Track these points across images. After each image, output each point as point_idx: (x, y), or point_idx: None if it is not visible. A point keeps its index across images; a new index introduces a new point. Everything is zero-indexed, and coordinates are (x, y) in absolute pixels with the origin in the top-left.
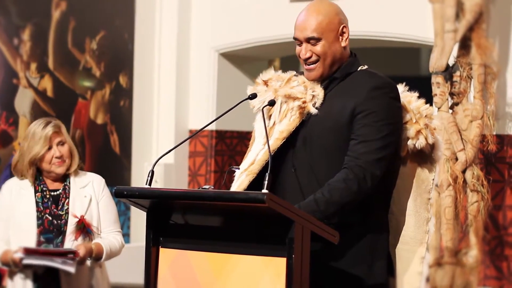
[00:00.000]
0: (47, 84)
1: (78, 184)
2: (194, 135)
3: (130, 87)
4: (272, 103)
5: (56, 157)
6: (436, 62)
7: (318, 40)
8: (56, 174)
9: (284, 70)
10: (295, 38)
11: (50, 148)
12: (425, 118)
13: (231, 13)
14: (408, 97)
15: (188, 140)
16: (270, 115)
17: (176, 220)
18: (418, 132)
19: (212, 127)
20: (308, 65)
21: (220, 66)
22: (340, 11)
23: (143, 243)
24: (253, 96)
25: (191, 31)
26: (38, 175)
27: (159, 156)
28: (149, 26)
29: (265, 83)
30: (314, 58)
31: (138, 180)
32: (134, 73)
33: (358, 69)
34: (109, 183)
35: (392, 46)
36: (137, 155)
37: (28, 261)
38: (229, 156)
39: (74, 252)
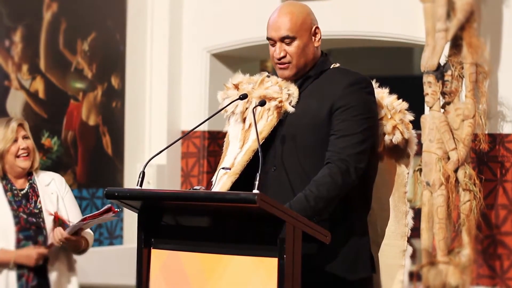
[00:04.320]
0: (38, 85)
1: (42, 182)
2: (184, 136)
3: (122, 88)
4: (262, 103)
5: (22, 149)
6: (427, 61)
7: (292, 39)
8: (21, 169)
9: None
10: (268, 38)
11: (15, 140)
12: (400, 113)
13: (222, 14)
14: (380, 93)
15: (180, 141)
16: (245, 118)
17: (168, 221)
18: (394, 127)
19: (205, 128)
20: (281, 64)
21: (212, 67)
22: (311, 12)
23: (136, 244)
24: (244, 97)
25: (182, 32)
26: (3, 174)
27: (150, 157)
28: (140, 27)
29: (236, 86)
30: (288, 58)
31: (130, 181)
32: (126, 74)
33: (331, 67)
34: (101, 185)
35: (383, 46)
36: (130, 157)
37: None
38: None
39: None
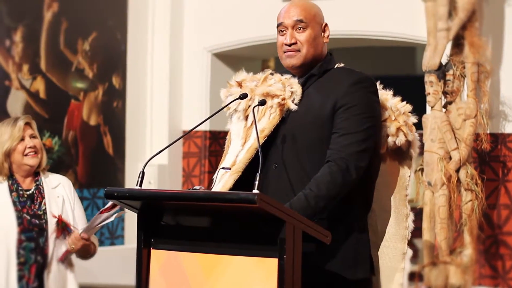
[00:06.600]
0: (39, 85)
1: (49, 184)
2: (184, 135)
3: (123, 88)
4: (263, 102)
5: (29, 147)
6: (429, 61)
7: (305, 26)
8: (29, 167)
9: (279, 69)
10: (279, 25)
11: (22, 139)
12: (404, 115)
13: (223, 13)
14: (384, 95)
15: (181, 141)
16: (247, 116)
17: (167, 221)
18: (398, 129)
19: (206, 127)
20: (290, 51)
21: (213, 66)
22: (321, 10)
23: None
24: (244, 96)
25: (184, 31)
26: (10, 174)
27: (150, 157)
28: (141, 27)
29: (239, 84)
30: (298, 45)
31: (131, 181)
32: (127, 74)
33: (335, 67)
34: (102, 185)
35: (385, 45)
36: (131, 156)
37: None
38: None
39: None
